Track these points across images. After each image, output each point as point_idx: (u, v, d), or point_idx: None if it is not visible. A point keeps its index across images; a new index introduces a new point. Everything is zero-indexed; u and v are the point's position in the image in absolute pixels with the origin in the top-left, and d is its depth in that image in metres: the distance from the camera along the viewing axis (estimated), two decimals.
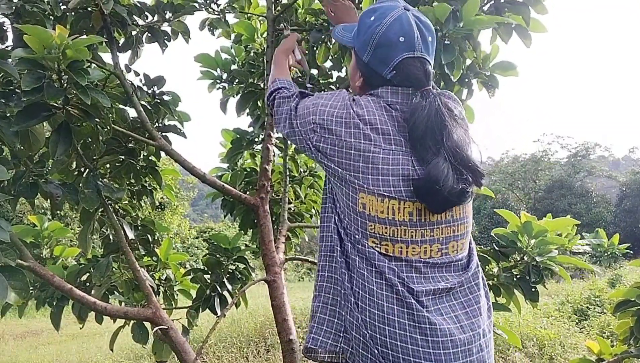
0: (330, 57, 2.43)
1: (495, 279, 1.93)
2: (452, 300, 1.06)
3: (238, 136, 2.63)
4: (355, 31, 1.19)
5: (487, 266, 1.96)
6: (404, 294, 1.01)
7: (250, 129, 2.63)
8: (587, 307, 7.74)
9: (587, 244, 2.09)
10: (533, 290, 1.91)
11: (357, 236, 1.06)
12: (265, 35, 2.47)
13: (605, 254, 12.84)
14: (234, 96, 2.54)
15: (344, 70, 2.43)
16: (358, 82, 1.19)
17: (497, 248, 1.97)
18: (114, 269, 2.21)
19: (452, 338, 1.00)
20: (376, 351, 1.01)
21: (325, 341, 1.11)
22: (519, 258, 1.95)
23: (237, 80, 2.51)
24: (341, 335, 1.10)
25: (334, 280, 1.13)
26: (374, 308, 1.02)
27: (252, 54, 2.53)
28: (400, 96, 1.10)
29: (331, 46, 2.26)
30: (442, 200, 1.01)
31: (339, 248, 1.10)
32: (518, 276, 1.93)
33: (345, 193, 1.08)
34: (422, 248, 1.04)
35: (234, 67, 2.55)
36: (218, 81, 2.57)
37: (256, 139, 2.63)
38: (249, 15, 2.47)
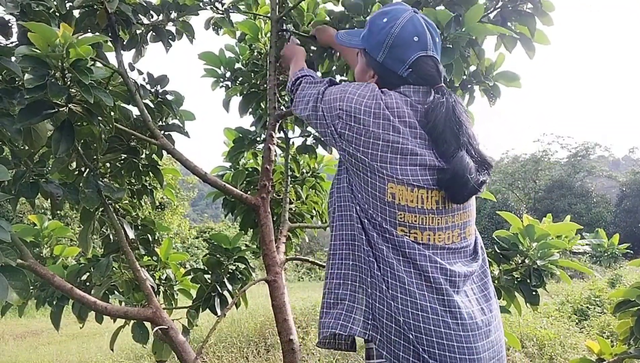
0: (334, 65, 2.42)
1: (497, 281, 1.93)
2: (473, 284, 1.13)
3: (240, 135, 2.62)
4: (364, 34, 1.25)
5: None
6: (434, 280, 1.05)
7: (253, 128, 2.63)
8: (587, 307, 7.74)
9: (587, 244, 2.09)
10: (534, 293, 1.91)
11: (384, 226, 1.08)
12: (269, 35, 2.47)
13: (605, 254, 12.84)
14: (238, 95, 2.54)
15: (345, 74, 2.43)
16: (371, 82, 1.22)
17: (498, 251, 1.97)
18: (114, 269, 2.21)
19: (476, 321, 1.06)
20: (411, 336, 1.03)
21: (356, 328, 1.11)
22: (520, 261, 1.94)
23: (240, 80, 2.50)
24: (369, 322, 1.11)
25: (360, 268, 1.13)
26: (405, 295, 1.05)
27: (256, 53, 2.52)
28: (420, 95, 1.15)
29: (335, 56, 2.26)
30: (468, 191, 1.08)
31: (363, 237, 1.12)
32: (519, 279, 1.92)
33: (370, 183, 1.09)
34: (446, 234, 1.10)
35: (237, 65, 2.54)
36: (221, 80, 2.56)
37: (258, 139, 2.63)
38: (255, 15, 2.47)
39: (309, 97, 1.27)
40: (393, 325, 1.06)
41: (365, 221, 1.11)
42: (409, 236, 1.07)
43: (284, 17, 2.23)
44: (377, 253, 1.09)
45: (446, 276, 1.06)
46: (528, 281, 1.89)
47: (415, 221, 1.07)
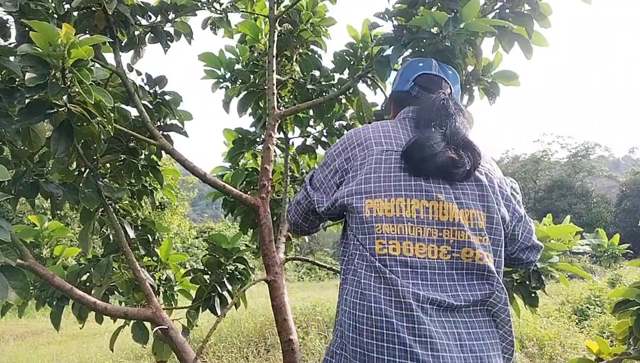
0: (332, 60, 2.43)
1: None
2: (462, 317, 1.02)
3: (240, 135, 2.63)
4: None
5: None
6: (405, 302, 0.98)
7: (252, 129, 2.63)
8: (587, 307, 7.74)
9: (587, 244, 2.08)
10: (533, 295, 1.89)
11: (364, 243, 1.06)
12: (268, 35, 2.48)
13: (605, 254, 12.81)
14: (236, 96, 2.54)
15: (345, 72, 2.43)
16: (393, 113, 1.36)
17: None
18: (114, 269, 2.21)
19: (449, 355, 0.96)
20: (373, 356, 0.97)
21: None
22: None
23: (239, 80, 2.51)
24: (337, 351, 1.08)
25: (341, 300, 1.14)
26: (372, 312, 1.00)
27: (256, 54, 2.53)
28: (417, 103, 1.24)
29: None
30: (430, 162, 1.07)
31: (345, 267, 1.13)
32: (518, 281, 1.91)
33: (354, 210, 1.09)
34: (429, 247, 1.04)
35: (237, 66, 2.55)
36: (221, 81, 2.56)
37: (258, 139, 2.63)
38: (254, 15, 2.47)
39: (298, 200, 1.33)
40: (357, 348, 1.00)
41: (350, 251, 1.12)
42: (387, 249, 1.03)
43: (283, 16, 2.24)
44: (350, 275, 1.08)
45: (418, 302, 0.98)
46: (527, 283, 1.88)
47: (393, 230, 1.04)
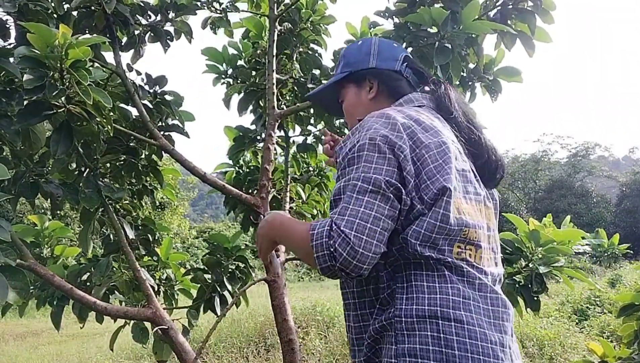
0: (332, 59, 2.43)
1: None
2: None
3: (240, 133, 2.62)
4: (341, 66, 1.23)
5: None
6: (493, 307, 0.92)
7: (253, 126, 2.63)
8: (587, 307, 7.74)
9: (587, 244, 2.08)
10: (535, 298, 1.89)
11: (436, 254, 0.91)
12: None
13: (605, 254, 12.83)
14: (238, 93, 2.53)
15: None
16: (371, 95, 1.17)
17: (501, 254, 1.95)
18: (114, 269, 2.21)
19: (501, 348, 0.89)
20: None
21: None
22: (523, 264, 1.93)
23: (239, 79, 2.51)
24: None
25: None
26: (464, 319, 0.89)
27: (259, 51, 2.52)
28: (421, 96, 1.14)
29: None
30: (499, 172, 1.08)
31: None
32: (521, 284, 1.90)
33: (433, 214, 0.91)
34: (485, 253, 0.98)
35: (240, 62, 2.54)
36: (223, 76, 2.56)
37: (258, 137, 2.63)
38: (255, 14, 2.47)
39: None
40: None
41: (408, 255, 0.92)
42: (465, 253, 0.93)
43: (283, 15, 2.24)
44: (421, 276, 0.92)
45: (505, 307, 0.93)
46: (530, 286, 1.87)
47: (475, 237, 0.95)
